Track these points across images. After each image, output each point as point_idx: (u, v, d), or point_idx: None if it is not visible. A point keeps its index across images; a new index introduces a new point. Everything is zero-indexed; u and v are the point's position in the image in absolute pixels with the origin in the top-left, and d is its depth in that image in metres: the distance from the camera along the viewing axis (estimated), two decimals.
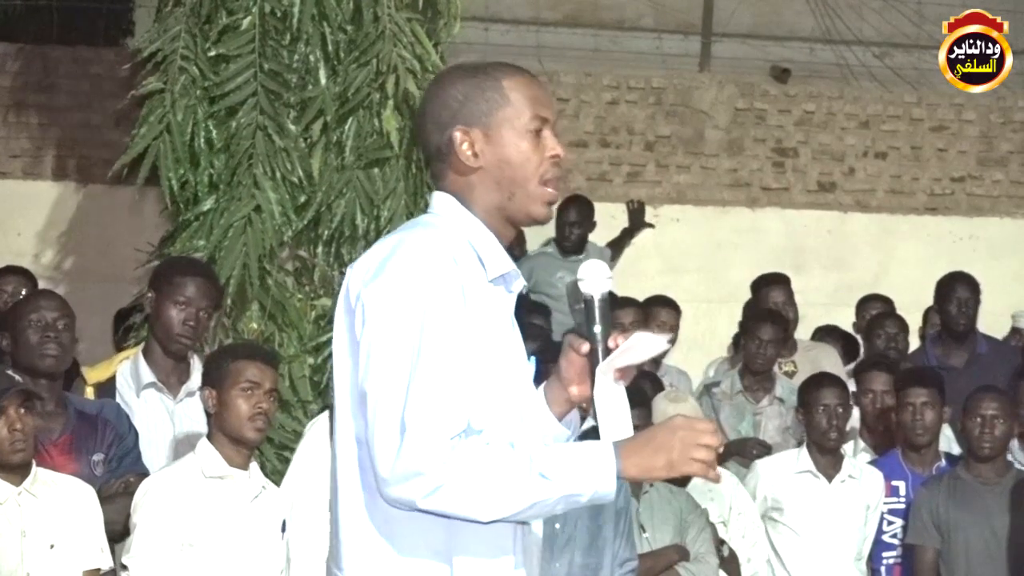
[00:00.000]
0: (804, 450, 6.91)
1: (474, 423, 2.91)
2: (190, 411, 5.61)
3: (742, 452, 7.34)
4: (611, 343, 3.07)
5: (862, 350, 8.76)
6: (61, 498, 5.09)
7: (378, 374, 2.89)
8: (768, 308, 8.19)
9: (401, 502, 2.87)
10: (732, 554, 6.49)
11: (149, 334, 5.84)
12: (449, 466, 2.83)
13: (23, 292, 7.35)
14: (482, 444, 2.88)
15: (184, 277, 5.76)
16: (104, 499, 5.23)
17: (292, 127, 6.60)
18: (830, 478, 6.84)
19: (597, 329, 3.09)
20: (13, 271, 7.68)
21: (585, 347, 3.09)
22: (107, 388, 5.72)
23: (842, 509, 6.82)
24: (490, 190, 3.07)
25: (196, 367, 5.74)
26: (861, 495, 6.85)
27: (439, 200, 3.10)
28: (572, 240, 9.37)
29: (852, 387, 7.44)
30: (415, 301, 2.89)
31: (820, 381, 7.01)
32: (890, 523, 6.91)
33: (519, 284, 3.13)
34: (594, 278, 3.10)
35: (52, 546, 5.04)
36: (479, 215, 3.07)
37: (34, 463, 5.08)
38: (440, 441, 2.83)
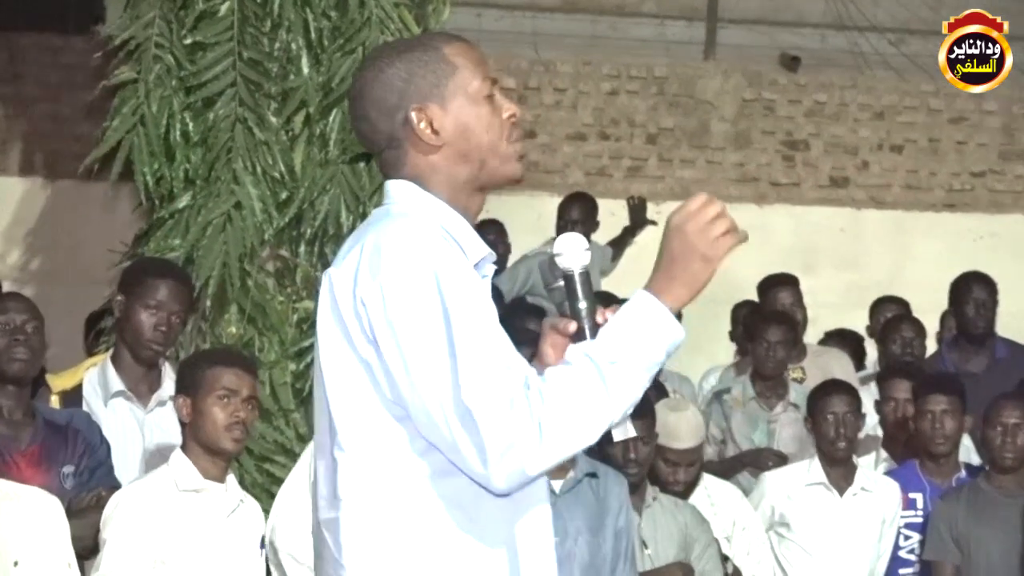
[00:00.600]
0: (815, 461, 6.89)
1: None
2: (161, 421, 5.59)
3: (756, 463, 7.33)
4: (599, 318, 3.05)
5: (869, 355, 8.74)
6: (25, 511, 5.05)
7: (420, 375, 2.86)
8: (776, 309, 8.18)
9: (514, 484, 2.86)
10: (736, 571, 6.47)
11: (118, 339, 5.83)
12: (533, 420, 2.81)
13: None
14: (546, 380, 2.86)
15: (156, 279, 5.74)
16: (74, 513, 5.20)
17: (273, 119, 6.59)
18: (842, 491, 6.82)
19: (582, 305, 3.06)
20: None
21: (572, 326, 3.06)
22: (73, 396, 5.69)
23: (855, 524, 6.79)
24: (457, 164, 3.06)
25: (168, 375, 5.72)
26: (875, 509, 6.81)
27: (398, 189, 3.07)
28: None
29: (864, 394, 7.43)
30: (424, 285, 2.87)
31: (828, 388, 7.00)
32: (907, 538, 6.89)
33: (491, 269, 3.13)
34: (573, 251, 3.07)
35: (16, 563, 5.01)
36: (443, 196, 3.05)
37: None
38: (509, 405, 2.81)
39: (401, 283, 2.88)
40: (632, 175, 10.79)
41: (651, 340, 2.92)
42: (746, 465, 7.32)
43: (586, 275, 3.08)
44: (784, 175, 10.96)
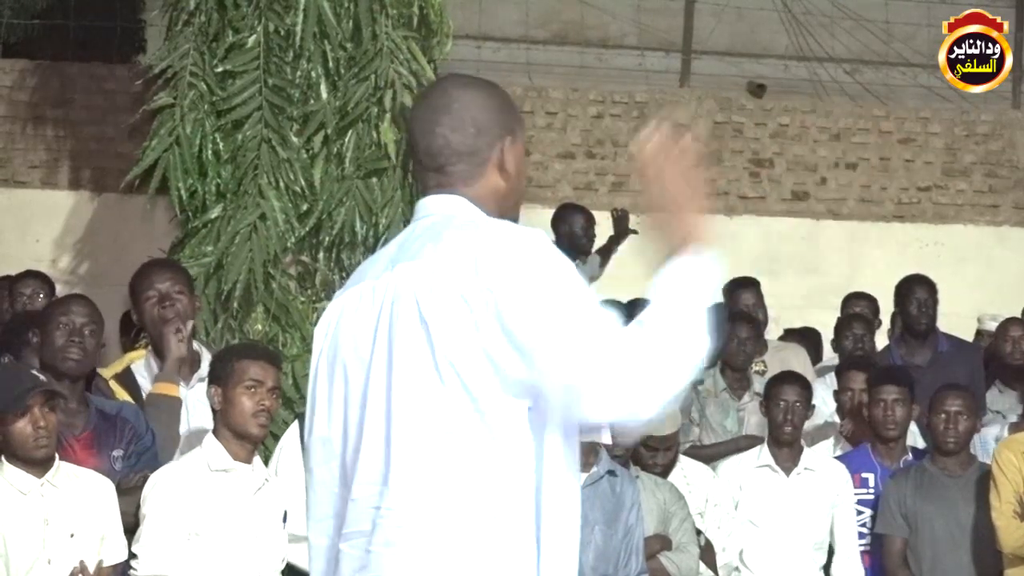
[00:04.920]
0: (764, 447, 6.88)
1: None
2: (202, 396, 5.55)
3: (733, 453, 7.30)
4: None
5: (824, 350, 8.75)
6: (82, 490, 5.07)
7: (566, 342, 2.81)
8: (740, 309, 8.16)
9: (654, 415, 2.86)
10: (708, 543, 6.47)
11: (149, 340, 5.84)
12: (647, 361, 2.83)
13: (40, 295, 7.34)
14: (642, 325, 2.87)
15: (146, 277, 5.78)
16: (122, 492, 5.22)
17: (295, 139, 6.59)
18: (788, 471, 6.79)
19: None
20: (31, 275, 7.68)
21: None
22: (125, 377, 5.70)
23: (799, 501, 6.75)
24: (507, 197, 3.04)
25: (206, 357, 5.73)
26: (820, 487, 6.77)
27: (457, 203, 3.00)
28: (583, 245, 9.22)
29: (822, 385, 7.42)
30: (554, 267, 2.87)
31: (783, 378, 6.96)
32: (860, 513, 6.88)
33: None
34: None
35: (72, 535, 5.03)
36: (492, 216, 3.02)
37: (57, 457, 5.07)
38: (630, 349, 2.82)
39: (536, 269, 2.85)
40: (616, 190, 10.77)
41: (706, 283, 3.03)
42: (724, 455, 7.26)
43: None
44: (751, 189, 10.95)
